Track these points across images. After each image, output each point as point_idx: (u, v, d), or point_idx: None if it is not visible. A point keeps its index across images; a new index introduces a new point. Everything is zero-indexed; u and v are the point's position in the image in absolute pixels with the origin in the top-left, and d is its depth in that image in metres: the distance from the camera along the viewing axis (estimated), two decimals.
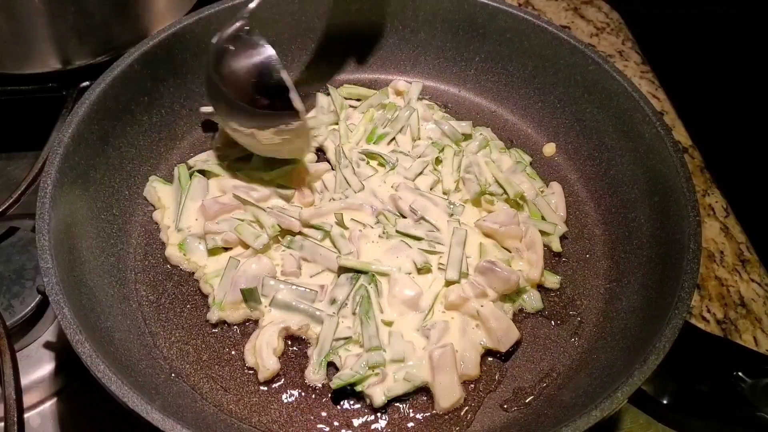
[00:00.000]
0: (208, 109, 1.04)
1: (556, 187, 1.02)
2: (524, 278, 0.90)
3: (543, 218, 0.98)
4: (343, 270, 0.88)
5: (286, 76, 0.90)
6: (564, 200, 1.01)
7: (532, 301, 0.90)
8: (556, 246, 0.96)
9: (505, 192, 0.98)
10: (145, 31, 1.07)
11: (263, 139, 0.92)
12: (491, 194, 0.98)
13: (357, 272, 0.87)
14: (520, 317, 0.89)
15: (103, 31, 1.04)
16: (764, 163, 1.64)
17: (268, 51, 0.92)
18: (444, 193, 0.98)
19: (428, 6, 1.11)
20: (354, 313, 0.84)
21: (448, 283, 0.87)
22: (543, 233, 0.95)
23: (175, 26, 1.00)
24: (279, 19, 1.09)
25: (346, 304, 0.85)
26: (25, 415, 0.82)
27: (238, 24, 0.93)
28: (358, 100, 1.12)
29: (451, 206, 0.95)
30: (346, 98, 1.11)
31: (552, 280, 0.92)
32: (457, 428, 0.79)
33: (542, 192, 1.01)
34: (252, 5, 0.95)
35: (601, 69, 1.01)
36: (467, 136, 1.06)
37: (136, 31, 1.07)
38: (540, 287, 0.92)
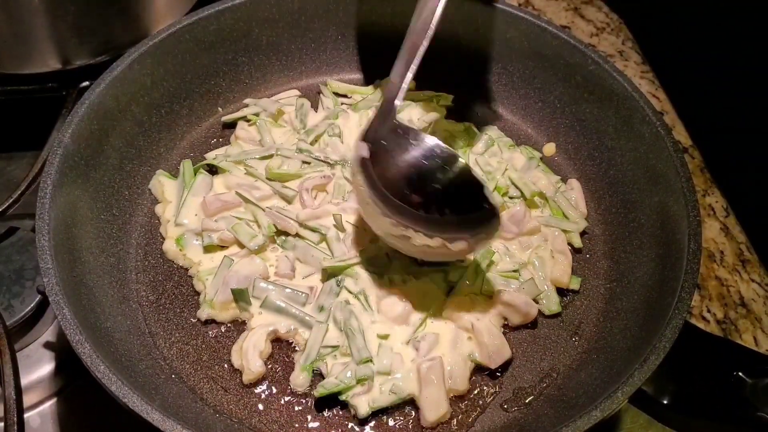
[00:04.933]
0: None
1: (575, 183, 1.03)
2: (547, 281, 0.90)
3: (565, 216, 0.98)
4: (328, 276, 0.87)
5: (476, 172, 0.81)
6: (583, 196, 1.01)
7: (550, 303, 0.89)
8: (577, 242, 0.96)
9: (522, 193, 0.98)
10: (145, 31, 1.07)
11: (456, 246, 0.79)
12: (510, 197, 0.98)
13: (342, 281, 0.86)
14: None
15: (103, 31, 1.04)
16: (764, 163, 1.64)
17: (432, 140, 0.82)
18: None
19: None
20: (341, 330, 0.83)
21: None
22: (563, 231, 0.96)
23: (175, 26, 1.00)
24: (279, 19, 1.09)
25: (334, 314, 0.84)
26: (25, 415, 0.82)
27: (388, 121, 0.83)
28: (346, 96, 1.12)
29: None
30: (336, 94, 1.12)
31: (575, 283, 0.92)
32: (457, 429, 0.79)
33: (559, 187, 1.02)
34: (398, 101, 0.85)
35: (601, 69, 1.01)
36: (469, 134, 1.06)
37: (136, 31, 1.07)
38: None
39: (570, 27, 1.53)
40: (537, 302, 0.89)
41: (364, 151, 0.82)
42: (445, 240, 0.79)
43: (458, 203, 0.81)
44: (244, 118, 1.07)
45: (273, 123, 1.06)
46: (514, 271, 0.90)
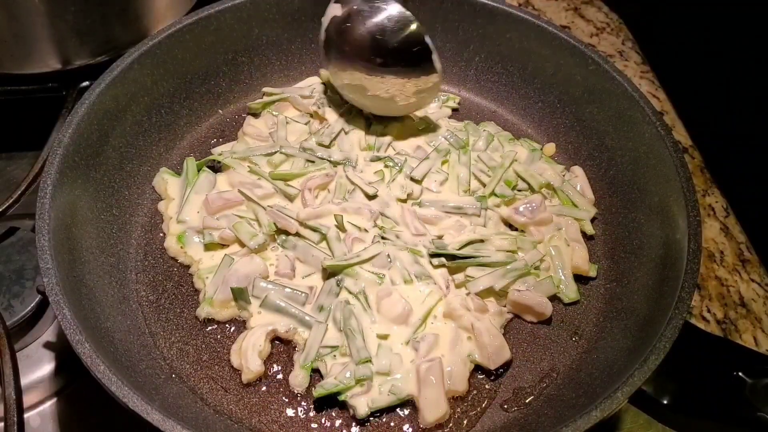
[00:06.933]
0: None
1: (578, 170, 1.03)
2: (566, 269, 0.92)
3: (574, 204, 0.99)
4: (329, 275, 0.87)
5: (428, 39, 0.94)
6: (588, 183, 1.02)
7: (569, 291, 0.90)
8: (589, 229, 0.97)
9: (530, 186, 0.99)
10: (145, 31, 1.07)
11: (401, 100, 0.99)
12: (519, 190, 0.99)
13: (342, 281, 0.86)
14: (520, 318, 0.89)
15: (103, 31, 1.04)
16: (764, 163, 1.64)
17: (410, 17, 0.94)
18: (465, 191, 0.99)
19: (428, 6, 1.11)
20: (340, 330, 0.83)
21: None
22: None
23: (175, 26, 1.00)
24: (279, 19, 1.10)
25: (334, 314, 0.85)
26: (25, 415, 0.82)
27: None
28: None
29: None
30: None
31: (593, 270, 0.93)
32: (457, 429, 0.79)
33: (564, 177, 1.02)
34: None
35: (601, 69, 1.01)
36: (468, 131, 1.06)
37: (136, 31, 1.07)
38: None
39: (570, 27, 1.53)
40: (556, 293, 0.90)
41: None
42: (394, 88, 0.96)
43: (409, 63, 0.95)
44: (254, 113, 1.08)
45: (290, 119, 1.06)
46: (536, 268, 0.91)
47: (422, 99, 1.00)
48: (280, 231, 0.91)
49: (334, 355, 0.82)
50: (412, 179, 0.98)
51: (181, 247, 0.91)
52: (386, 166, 1.00)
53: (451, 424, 0.79)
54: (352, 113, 1.07)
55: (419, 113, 1.08)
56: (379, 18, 0.94)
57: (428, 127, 1.06)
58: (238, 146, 1.02)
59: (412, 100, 0.99)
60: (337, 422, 0.79)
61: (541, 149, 1.06)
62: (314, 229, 0.91)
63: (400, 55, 0.95)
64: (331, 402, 0.80)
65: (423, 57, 0.94)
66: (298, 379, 0.81)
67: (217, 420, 0.78)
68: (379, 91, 0.98)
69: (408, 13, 0.93)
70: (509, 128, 1.11)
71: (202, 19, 1.02)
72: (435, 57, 0.94)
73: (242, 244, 0.90)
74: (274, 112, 1.07)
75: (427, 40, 0.94)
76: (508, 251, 0.91)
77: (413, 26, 0.93)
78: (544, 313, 0.88)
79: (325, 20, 0.98)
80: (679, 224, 0.85)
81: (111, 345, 0.76)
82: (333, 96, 1.09)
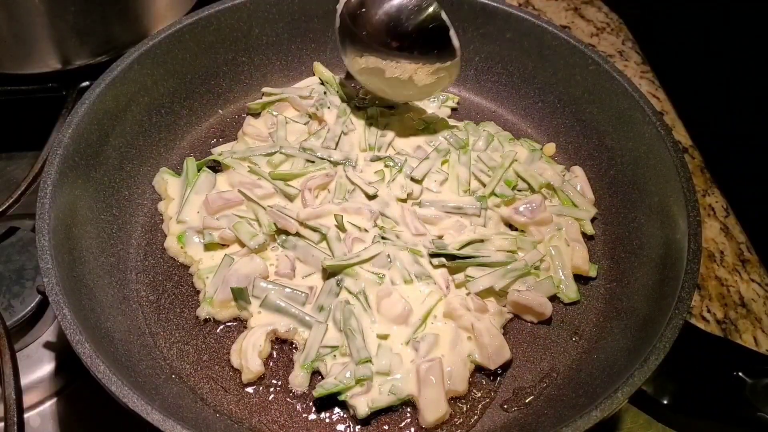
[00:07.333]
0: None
1: (578, 170, 1.03)
2: (566, 269, 0.92)
3: (574, 204, 0.99)
4: (329, 275, 0.87)
5: (444, 16, 0.93)
6: (588, 183, 1.02)
7: (569, 291, 0.90)
8: (589, 229, 0.97)
9: (530, 186, 0.99)
10: (145, 31, 1.07)
11: (420, 81, 0.97)
12: (519, 191, 0.99)
13: (342, 281, 0.86)
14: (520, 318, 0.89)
15: (103, 31, 1.05)
16: (764, 163, 1.65)
17: None
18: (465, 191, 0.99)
19: None
20: (340, 330, 0.83)
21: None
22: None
23: (175, 26, 1.00)
24: (279, 19, 1.10)
25: (334, 314, 0.84)
26: (25, 415, 0.82)
27: None
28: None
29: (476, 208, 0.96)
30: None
31: (593, 270, 0.93)
32: (457, 429, 0.79)
33: (565, 176, 1.02)
34: None
35: (601, 69, 1.01)
36: (468, 131, 1.06)
37: (136, 31, 1.07)
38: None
39: (570, 27, 1.53)
40: (556, 293, 0.90)
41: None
42: (412, 70, 0.95)
43: (427, 43, 0.94)
44: (253, 114, 1.08)
45: (289, 119, 1.06)
46: (536, 268, 0.91)
47: (441, 80, 0.97)
48: (280, 231, 0.91)
49: (334, 355, 0.82)
50: (412, 179, 0.98)
51: (181, 247, 0.91)
52: (386, 166, 1.00)
53: (451, 424, 0.80)
54: (351, 113, 1.07)
55: (418, 112, 1.09)
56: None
57: (428, 127, 1.07)
58: (238, 146, 1.02)
59: (431, 80, 0.97)
60: (337, 422, 0.79)
61: (541, 149, 1.06)
62: (314, 229, 0.91)
63: (418, 36, 0.93)
64: (331, 402, 0.80)
65: (440, 36, 0.93)
66: (298, 379, 0.81)
67: (217, 420, 0.78)
68: (397, 74, 0.96)
69: None
70: (509, 128, 1.11)
71: (202, 19, 1.02)
72: (452, 34, 0.93)
73: (242, 244, 0.90)
74: (274, 113, 1.07)
75: (444, 16, 0.92)
76: (508, 251, 0.91)
77: (432, 7, 0.92)
78: (544, 313, 0.88)
79: (340, 5, 0.97)
80: (679, 224, 0.85)
81: (111, 345, 0.76)
82: (332, 96, 1.09)
